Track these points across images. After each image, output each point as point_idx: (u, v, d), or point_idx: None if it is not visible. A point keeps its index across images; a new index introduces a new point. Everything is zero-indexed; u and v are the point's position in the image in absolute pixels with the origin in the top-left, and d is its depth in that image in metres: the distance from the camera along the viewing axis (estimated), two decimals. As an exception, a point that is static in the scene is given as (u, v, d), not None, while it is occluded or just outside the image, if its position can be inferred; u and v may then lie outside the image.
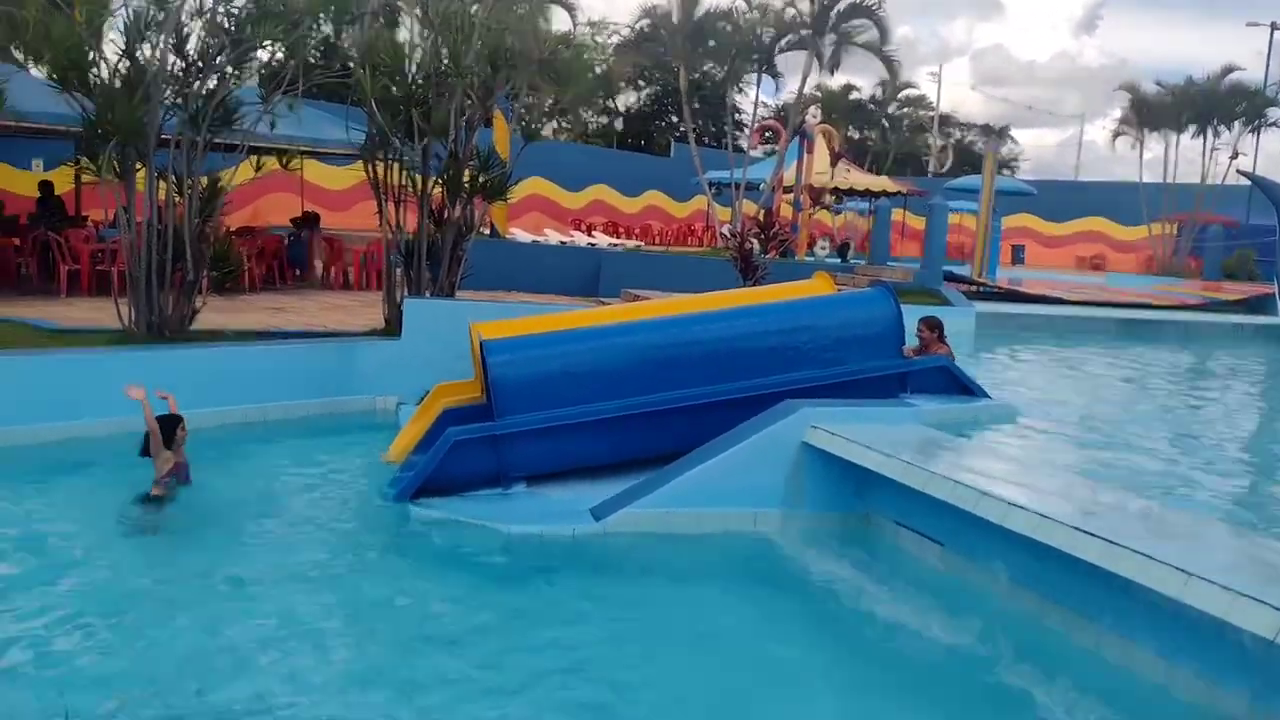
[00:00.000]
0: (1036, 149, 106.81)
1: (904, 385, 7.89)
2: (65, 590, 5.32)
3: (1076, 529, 4.62)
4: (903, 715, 4.57)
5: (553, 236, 27.90)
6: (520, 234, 24.66)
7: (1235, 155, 33.58)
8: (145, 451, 6.61)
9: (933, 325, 8.94)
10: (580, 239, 28.60)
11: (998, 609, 5.38)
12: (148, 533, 6.29)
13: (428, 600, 5.62)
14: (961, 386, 8.05)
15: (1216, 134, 33.51)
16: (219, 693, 4.30)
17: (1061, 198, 41.30)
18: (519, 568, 6.12)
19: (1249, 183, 25.19)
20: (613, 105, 49.85)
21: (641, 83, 48.77)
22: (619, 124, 51.18)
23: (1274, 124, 32.73)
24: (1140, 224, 37.01)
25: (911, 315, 8.62)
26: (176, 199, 9.40)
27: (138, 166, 9.20)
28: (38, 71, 12.65)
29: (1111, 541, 4.42)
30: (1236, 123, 33.00)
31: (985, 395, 8.13)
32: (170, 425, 6.71)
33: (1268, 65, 32.97)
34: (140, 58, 9.06)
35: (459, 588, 5.83)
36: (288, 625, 5.05)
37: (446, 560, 6.21)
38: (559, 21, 18.94)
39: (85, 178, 9.72)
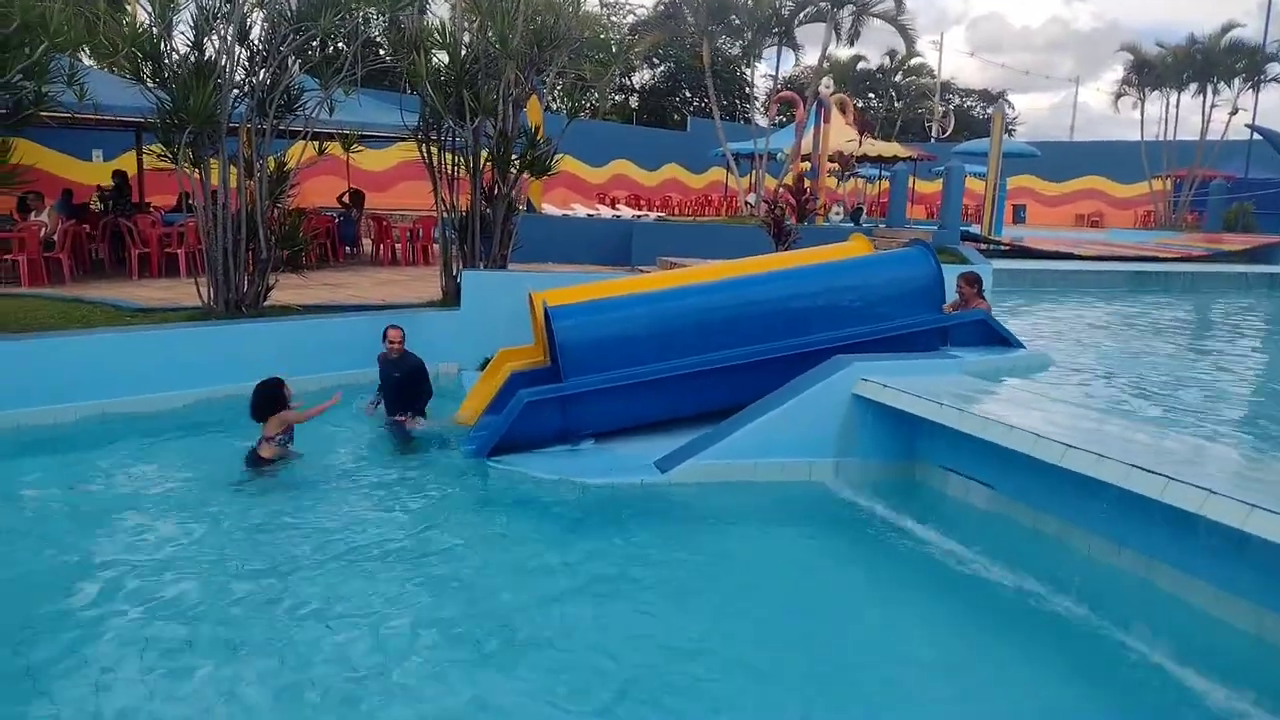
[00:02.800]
0: (1032, 112, 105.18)
1: (945, 339, 7.90)
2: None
3: (1134, 466, 4.66)
4: (953, 642, 4.67)
5: (580, 210, 27.85)
6: (550, 209, 24.63)
7: (1235, 111, 32.99)
8: (261, 416, 6.72)
9: (972, 281, 8.92)
10: (605, 212, 28.54)
11: (1047, 545, 5.46)
12: (269, 490, 6.43)
13: (514, 548, 5.75)
14: (999, 338, 8.04)
15: (1216, 91, 32.92)
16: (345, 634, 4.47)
17: (1061, 158, 40.77)
18: (593, 517, 6.23)
19: (1247, 138, 24.78)
20: (628, 83, 49.37)
21: (655, 60, 48.26)
22: (634, 101, 50.71)
23: (1274, 79, 32.05)
24: (1138, 181, 36.55)
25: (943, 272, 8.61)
26: (248, 183, 9.45)
27: (211, 153, 9.24)
28: (97, 65, 12.69)
29: (1170, 477, 4.46)
30: (1236, 79, 32.37)
31: (1021, 345, 8.12)
32: (275, 387, 6.81)
33: (1267, 21, 32.19)
34: (209, 49, 9.07)
35: (541, 536, 5.96)
36: (392, 580, 5.19)
37: (527, 511, 6.32)
38: (590, 2, 18.77)
39: (154, 165, 9.79)
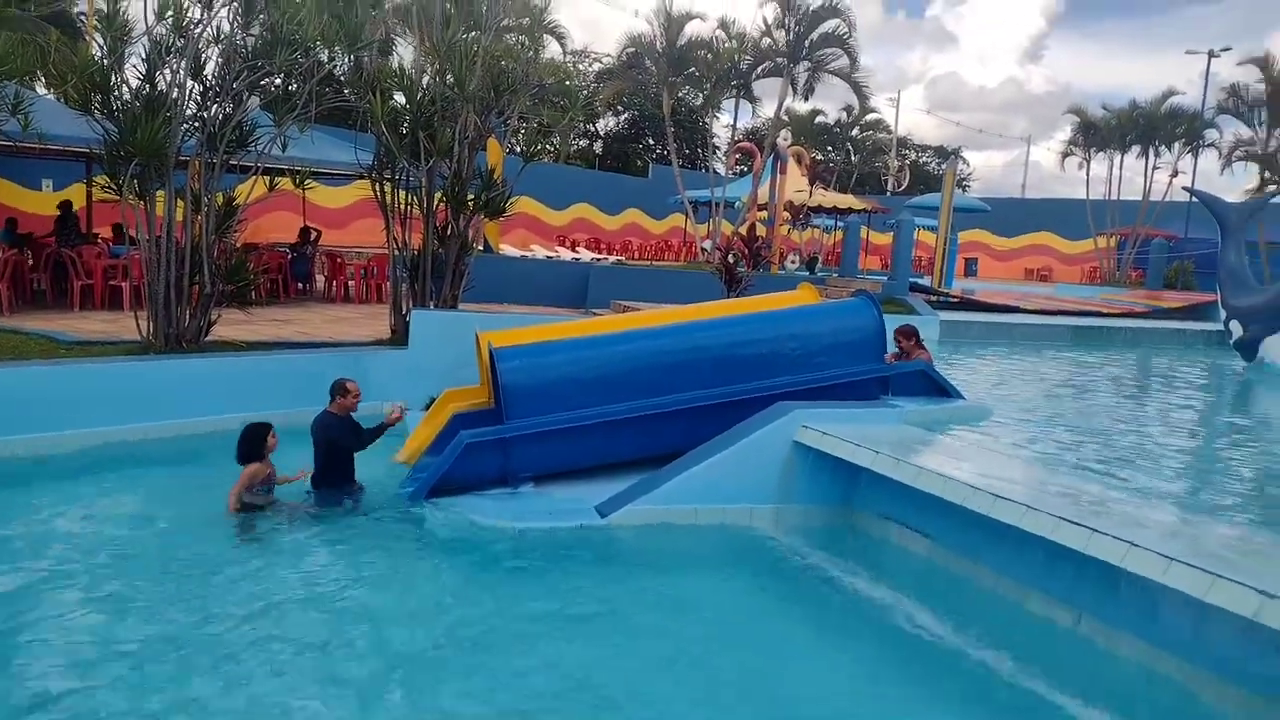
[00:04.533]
0: (986, 169, 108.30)
1: (886, 388, 7.99)
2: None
3: (1062, 519, 4.71)
4: (882, 691, 4.64)
5: (539, 252, 27.90)
6: (509, 249, 24.66)
7: (1175, 174, 34.24)
8: (243, 459, 6.52)
9: (909, 334, 9.07)
10: (565, 254, 28.63)
11: (982, 596, 5.48)
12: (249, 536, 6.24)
13: (446, 593, 5.65)
14: (939, 388, 8.16)
15: (1157, 154, 34.16)
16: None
17: (1011, 214, 41.90)
18: (530, 561, 6.12)
19: (1187, 199, 25.71)
20: (593, 129, 49.95)
21: (619, 107, 48.92)
22: (598, 146, 51.28)
23: (1211, 145, 33.36)
24: (1085, 238, 37.63)
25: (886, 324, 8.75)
26: (195, 217, 9.34)
27: (157, 186, 9.12)
28: (49, 94, 12.53)
29: (1095, 530, 4.51)
30: (1176, 143, 33.62)
31: (960, 396, 8.24)
32: (261, 434, 6.58)
33: (1205, 90, 33.62)
34: (161, 82, 9.01)
35: (474, 580, 5.85)
36: (319, 621, 5.05)
37: (462, 553, 6.20)
38: (550, 49, 19.03)
39: (100, 196, 9.64)
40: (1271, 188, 28.37)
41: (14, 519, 6.33)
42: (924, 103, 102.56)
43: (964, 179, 59.48)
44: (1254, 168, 31.17)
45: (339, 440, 6.97)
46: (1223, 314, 14.88)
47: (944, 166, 36.99)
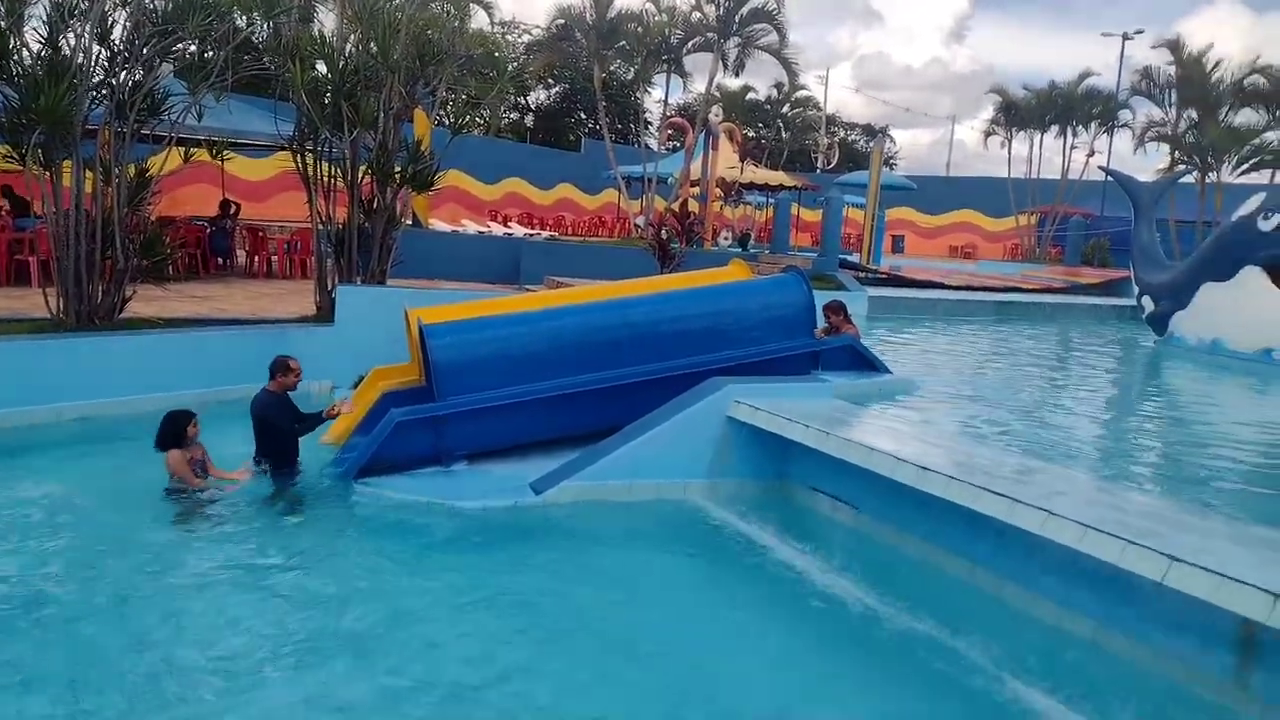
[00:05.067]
0: (912, 147, 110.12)
1: (816, 363, 8.11)
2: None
3: (983, 489, 4.85)
4: (812, 660, 4.74)
5: (470, 227, 27.50)
6: (439, 224, 24.23)
7: (1091, 153, 35.36)
8: (161, 445, 6.34)
9: (837, 309, 9.20)
10: (497, 229, 28.26)
11: (908, 563, 5.63)
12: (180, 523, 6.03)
13: (378, 574, 5.54)
14: (867, 363, 8.31)
15: (1075, 133, 35.20)
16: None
17: (937, 192, 42.79)
18: (464, 540, 6.08)
19: (1103, 178, 26.59)
20: (524, 102, 49.28)
21: (551, 80, 48.35)
22: (529, 120, 50.65)
23: (1125, 125, 34.52)
24: (1007, 216, 38.65)
25: (815, 300, 8.87)
26: (105, 188, 8.93)
27: (64, 156, 8.69)
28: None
29: (1016, 500, 4.66)
30: (1093, 123, 34.70)
31: (887, 370, 8.41)
32: (181, 422, 6.41)
33: (1120, 71, 34.69)
34: (64, 46, 8.56)
35: (407, 561, 5.77)
36: (248, 603, 4.94)
37: (394, 535, 6.11)
38: (478, 20, 18.65)
39: (1, 166, 9.14)
40: (1180, 167, 29.52)
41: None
42: (852, 81, 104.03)
43: (891, 157, 60.49)
44: (1165, 148, 32.38)
45: (274, 421, 6.78)
46: (1136, 290, 15.48)
47: (872, 145, 37.55)
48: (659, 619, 5.14)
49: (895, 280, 20.84)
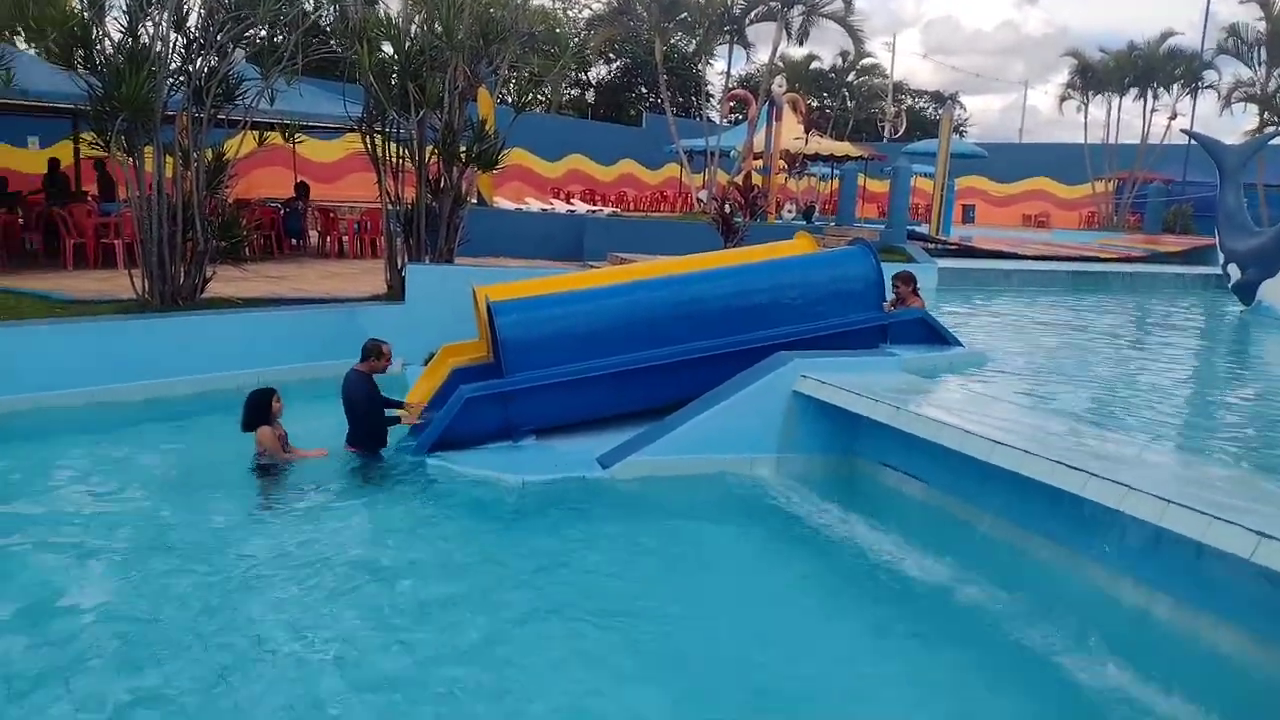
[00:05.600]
0: (983, 114, 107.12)
1: (885, 336, 8.00)
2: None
3: (1059, 463, 4.74)
4: (877, 642, 4.71)
5: (534, 204, 27.69)
6: (503, 202, 24.45)
7: (1173, 116, 33.86)
8: (248, 426, 6.54)
9: (907, 280, 9.04)
10: (560, 206, 28.41)
11: (978, 539, 5.54)
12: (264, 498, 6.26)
13: (448, 549, 5.68)
14: (937, 336, 8.16)
15: (1156, 96, 33.75)
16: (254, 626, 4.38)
17: (1009, 159, 41.50)
18: (534, 513, 6.19)
19: (1185, 142, 25.46)
20: (585, 78, 49.20)
21: (612, 55, 48.15)
22: (590, 96, 50.57)
23: (1210, 86, 32.96)
24: (1082, 183, 37.36)
25: (883, 272, 8.73)
26: (184, 172, 9.23)
27: (145, 142, 9.00)
28: (32, 50, 12.27)
29: (1093, 474, 4.55)
30: (1174, 85, 33.21)
31: (959, 343, 8.25)
32: (260, 397, 6.59)
33: (1204, 30, 33.09)
34: (143, 35, 8.83)
35: (477, 535, 5.90)
36: (333, 575, 5.12)
37: (467, 508, 6.25)
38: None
39: (88, 153, 9.52)
40: (1270, 129, 28.12)
41: (24, 483, 6.34)
42: (920, 47, 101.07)
43: (961, 124, 58.83)
44: (1253, 109, 30.85)
45: (357, 402, 6.92)
46: (1221, 258, 14.84)
47: (940, 112, 36.56)
48: (726, 596, 5.17)
49: (966, 251, 20.37)
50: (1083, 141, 36.17)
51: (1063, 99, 36.22)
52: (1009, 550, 5.30)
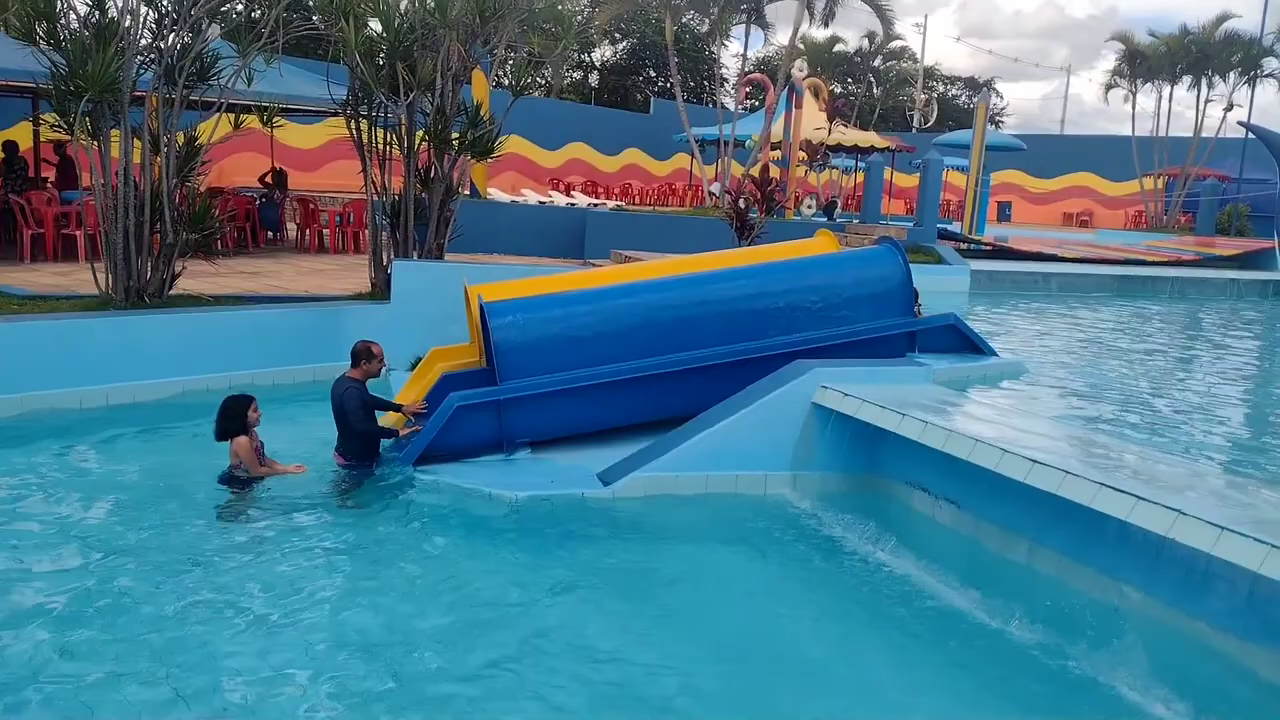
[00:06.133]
0: (1021, 103, 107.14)
1: (913, 344, 8.00)
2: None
3: (1102, 485, 4.73)
4: (907, 676, 4.69)
5: (531, 196, 27.76)
6: (498, 194, 24.53)
7: (1230, 107, 33.83)
8: (222, 435, 6.53)
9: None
10: (559, 199, 28.47)
11: (1015, 568, 5.53)
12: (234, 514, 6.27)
13: (436, 566, 5.68)
14: (970, 344, 8.17)
15: (1210, 85, 33.73)
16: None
17: (1049, 153, 41.56)
18: (527, 534, 6.18)
19: (1243, 136, 25.49)
20: (588, 59, 49.35)
21: (618, 35, 48.31)
22: (594, 79, 50.73)
23: (1270, 75, 32.92)
24: (1129, 179, 37.35)
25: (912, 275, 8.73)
26: (153, 158, 9.26)
27: (112, 125, 9.03)
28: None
29: (1141, 498, 4.53)
30: (1232, 73, 33.19)
31: (993, 353, 8.25)
32: (241, 408, 6.56)
33: (1264, 14, 33.06)
34: (111, 9, 8.87)
35: (467, 554, 5.90)
36: (305, 594, 5.12)
37: (453, 527, 6.25)
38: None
39: (49, 136, 9.56)
40: (1336, 122, 28.07)
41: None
42: (954, 29, 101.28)
43: (997, 114, 58.96)
44: (1318, 100, 30.81)
45: (351, 414, 6.85)
46: (1281, 262, 14.83)
47: (975, 100, 36.62)
48: (737, 625, 5.16)
49: (1001, 252, 20.39)
50: (1130, 134, 36.17)
51: (1108, 87, 36.22)
52: (1049, 580, 5.28)
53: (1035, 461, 5.11)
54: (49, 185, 14.92)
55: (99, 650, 4.47)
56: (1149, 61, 34.20)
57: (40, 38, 8.66)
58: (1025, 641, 4.85)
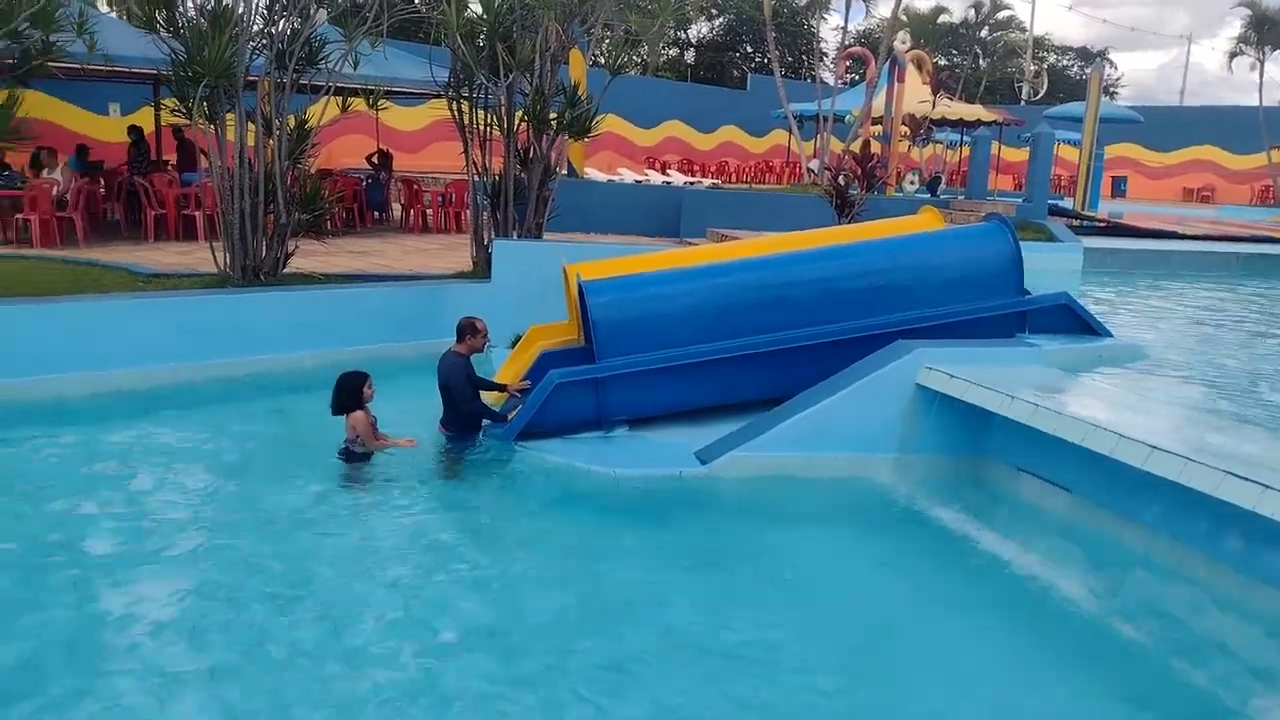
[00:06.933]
0: (1138, 73, 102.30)
1: (1023, 325, 7.75)
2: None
3: (1228, 473, 4.51)
4: (1017, 668, 4.56)
5: (627, 175, 27.80)
6: (595, 173, 24.64)
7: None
8: (339, 409, 6.71)
9: None
10: (655, 177, 28.45)
11: (1132, 558, 5.32)
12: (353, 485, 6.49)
13: (536, 544, 5.78)
14: (1084, 325, 7.87)
15: (1348, 50, 31.67)
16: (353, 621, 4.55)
17: (1168, 125, 39.62)
18: (626, 511, 6.23)
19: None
20: (684, 36, 49.07)
21: (714, 11, 47.88)
22: (689, 56, 50.42)
23: None
24: (1256, 152, 35.39)
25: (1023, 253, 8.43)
26: (266, 141, 9.59)
27: (228, 109, 9.37)
28: (112, 12, 12.88)
29: (1269, 486, 4.30)
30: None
31: (1109, 334, 7.93)
32: (351, 380, 6.73)
33: None
34: (226, -4, 9.20)
35: (568, 529, 5.98)
36: (412, 568, 5.28)
37: (554, 502, 6.35)
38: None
39: (169, 120, 9.97)
40: None
41: (103, 457, 6.70)
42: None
43: (1112, 85, 56.44)
44: None
45: (452, 388, 7.02)
46: None
47: (1088, 71, 35.06)
48: (834, 609, 5.10)
49: (1116, 229, 19.58)
50: (1257, 104, 34.20)
51: (1233, 55, 34.42)
52: (1167, 571, 5.07)
53: (1155, 447, 4.90)
54: (170, 168, 15.60)
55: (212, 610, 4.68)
56: (1278, 27, 32.27)
57: (160, 25, 9.04)
58: (1140, 638, 4.66)
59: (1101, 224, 19.98)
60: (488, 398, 7.54)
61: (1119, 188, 36.26)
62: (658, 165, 32.93)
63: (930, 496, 6.36)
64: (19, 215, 12.05)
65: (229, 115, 9.47)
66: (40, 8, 8.30)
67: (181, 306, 8.75)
